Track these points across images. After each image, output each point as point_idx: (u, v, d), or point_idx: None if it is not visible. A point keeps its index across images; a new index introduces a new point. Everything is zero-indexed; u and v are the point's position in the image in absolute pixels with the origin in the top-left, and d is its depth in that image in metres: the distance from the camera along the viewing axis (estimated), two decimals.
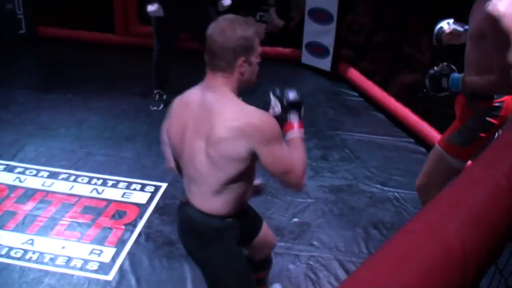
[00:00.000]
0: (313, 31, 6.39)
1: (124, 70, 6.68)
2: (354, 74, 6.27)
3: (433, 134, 4.88)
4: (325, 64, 6.41)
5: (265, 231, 3.03)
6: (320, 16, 6.29)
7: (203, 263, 2.71)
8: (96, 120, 5.57)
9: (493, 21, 2.86)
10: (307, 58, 6.58)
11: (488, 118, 3.18)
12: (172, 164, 2.73)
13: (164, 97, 5.70)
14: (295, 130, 2.59)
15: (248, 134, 2.32)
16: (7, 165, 4.73)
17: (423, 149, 5.07)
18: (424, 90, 3.26)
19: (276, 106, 2.64)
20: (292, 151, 2.50)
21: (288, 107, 2.64)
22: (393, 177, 4.70)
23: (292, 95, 2.66)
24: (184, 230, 2.69)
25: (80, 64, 6.84)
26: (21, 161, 4.80)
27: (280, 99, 2.65)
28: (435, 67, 3.22)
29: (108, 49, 7.17)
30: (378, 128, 5.54)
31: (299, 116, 2.64)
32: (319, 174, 4.72)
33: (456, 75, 3.12)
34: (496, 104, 3.17)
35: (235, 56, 2.34)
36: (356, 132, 5.42)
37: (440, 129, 4.59)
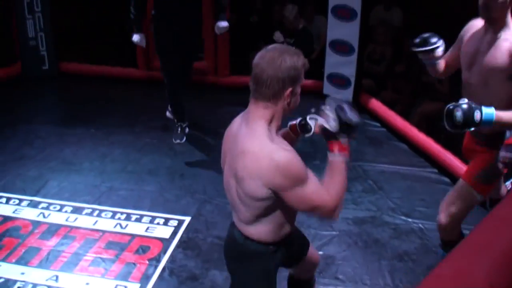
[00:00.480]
0: (334, 62, 6.41)
1: (146, 104, 6.72)
2: (376, 104, 6.26)
3: (456, 163, 4.84)
4: (346, 95, 6.41)
5: (311, 251, 3.04)
6: (341, 48, 6.31)
7: (235, 279, 2.77)
8: (119, 154, 5.60)
9: None
10: (328, 89, 6.58)
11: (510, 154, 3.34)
12: None
13: (186, 130, 5.69)
14: (339, 153, 2.44)
15: (266, 177, 2.30)
16: (31, 200, 4.76)
17: (446, 179, 5.03)
18: (445, 127, 3.07)
19: (330, 117, 2.39)
20: (330, 176, 2.44)
21: (343, 126, 2.40)
22: (417, 208, 4.65)
23: (352, 115, 2.38)
24: (227, 246, 2.76)
25: (102, 98, 6.90)
26: (45, 196, 4.83)
27: (336, 110, 2.39)
28: (460, 101, 2.99)
29: (130, 84, 7.24)
30: (401, 158, 5.50)
31: (348, 139, 2.45)
32: (343, 206, 4.67)
33: (488, 108, 2.96)
34: None
35: (283, 86, 2.30)
36: (378, 163, 5.39)
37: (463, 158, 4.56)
